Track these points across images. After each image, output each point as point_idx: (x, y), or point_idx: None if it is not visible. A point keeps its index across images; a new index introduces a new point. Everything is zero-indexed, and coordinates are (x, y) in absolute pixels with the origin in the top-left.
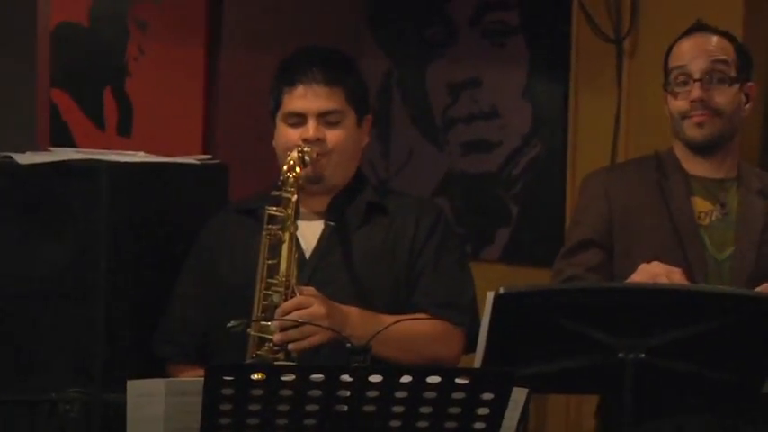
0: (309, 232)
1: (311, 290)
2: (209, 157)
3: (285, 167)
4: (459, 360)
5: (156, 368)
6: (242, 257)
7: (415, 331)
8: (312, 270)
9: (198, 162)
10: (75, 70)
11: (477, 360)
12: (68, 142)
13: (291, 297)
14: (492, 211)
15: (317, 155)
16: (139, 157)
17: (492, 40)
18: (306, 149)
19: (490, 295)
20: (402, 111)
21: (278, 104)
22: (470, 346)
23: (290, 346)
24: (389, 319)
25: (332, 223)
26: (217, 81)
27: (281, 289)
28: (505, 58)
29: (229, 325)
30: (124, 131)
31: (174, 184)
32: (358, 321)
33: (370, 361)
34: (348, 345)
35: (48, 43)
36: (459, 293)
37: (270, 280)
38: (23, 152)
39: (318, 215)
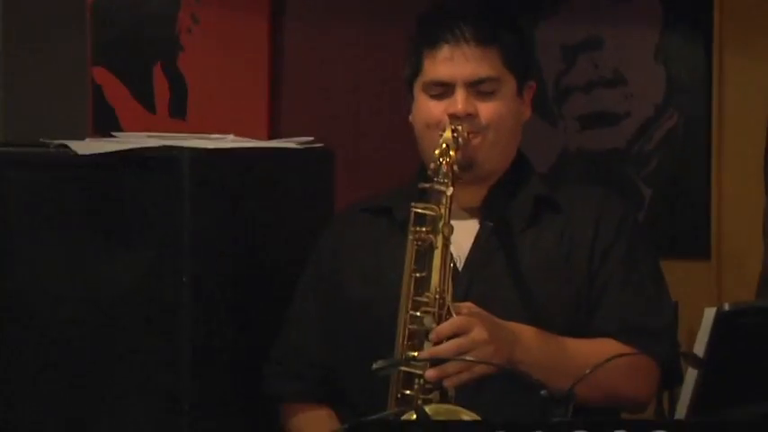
0: (460, 235)
1: (470, 306)
2: (310, 139)
3: (437, 152)
4: (652, 400)
5: (258, 410)
6: (374, 268)
7: (597, 359)
8: (467, 284)
9: (299, 146)
10: (120, 45)
11: (683, 398)
12: (114, 127)
13: (447, 319)
14: (619, 193)
15: (468, 134)
16: (228, 141)
17: None
18: (458, 128)
19: (710, 313)
20: None
21: (416, 71)
22: (666, 382)
23: (446, 383)
24: (573, 343)
25: (490, 224)
26: (283, 54)
27: (434, 309)
28: (632, 13)
29: (376, 367)
30: (178, 113)
31: (274, 173)
32: (533, 344)
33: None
34: (543, 392)
35: (88, 15)
36: (654, 315)
37: (418, 298)
38: (80, 140)
39: (471, 213)
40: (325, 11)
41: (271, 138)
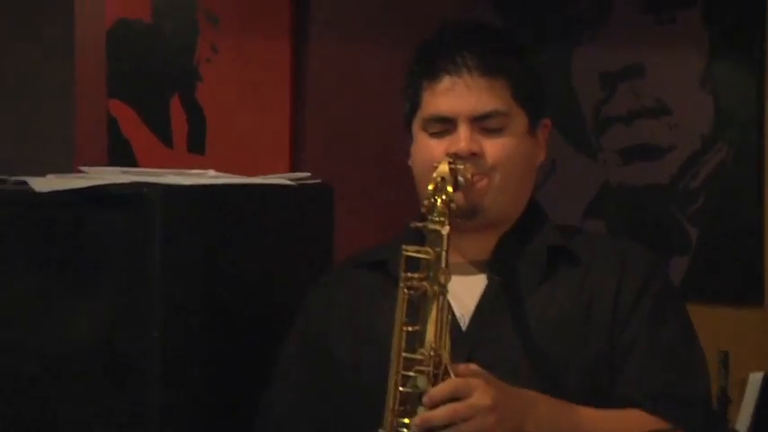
0: (465, 291)
1: (472, 368)
2: (306, 175)
3: (430, 187)
4: None
5: None
6: (367, 328)
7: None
8: (472, 347)
9: (293, 182)
10: (137, 76)
11: None
12: (131, 162)
13: (444, 380)
14: (664, 235)
15: (473, 175)
16: (208, 177)
17: (658, 14)
18: (459, 166)
19: (756, 378)
20: None
21: (414, 106)
22: None
23: None
24: (593, 414)
25: (498, 278)
26: (306, 83)
27: (429, 368)
28: (676, 37)
29: None
30: (196, 148)
31: (261, 213)
32: (546, 414)
33: None
34: None
35: (104, 45)
36: (687, 380)
37: (409, 355)
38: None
39: (477, 266)
40: (353, 31)
41: (294, 170)
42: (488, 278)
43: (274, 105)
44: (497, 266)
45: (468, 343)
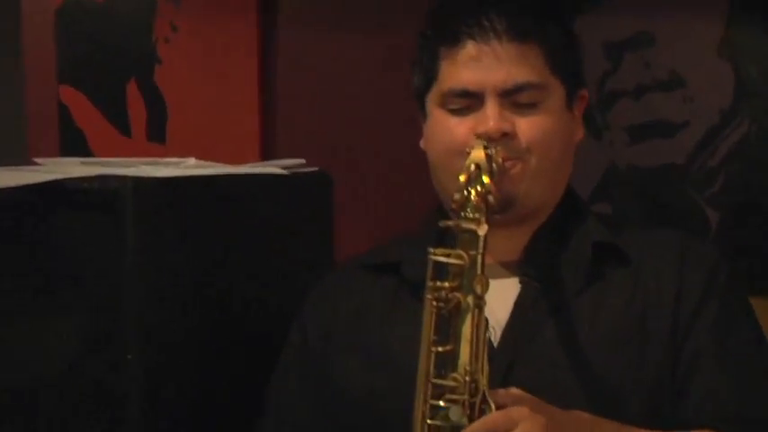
0: (494, 299)
1: (514, 392)
2: (300, 162)
3: (462, 178)
4: None
5: None
6: (379, 348)
7: None
8: (507, 366)
9: (286, 171)
10: (89, 59)
11: None
12: (85, 154)
13: (482, 412)
14: (679, 219)
15: (504, 160)
16: (187, 166)
17: None
18: (491, 150)
19: None
20: None
21: (429, 78)
22: None
23: None
24: None
25: (536, 283)
26: (275, 63)
27: (463, 396)
28: (690, 1)
29: None
30: (156, 136)
31: (251, 208)
32: None
33: None
34: None
35: (52, 27)
36: (762, 397)
37: (441, 381)
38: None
39: (508, 268)
40: (324, 11)
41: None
42: (522, 282)
43: (241, 89)
44: (533, 268)
45: (503, 362)
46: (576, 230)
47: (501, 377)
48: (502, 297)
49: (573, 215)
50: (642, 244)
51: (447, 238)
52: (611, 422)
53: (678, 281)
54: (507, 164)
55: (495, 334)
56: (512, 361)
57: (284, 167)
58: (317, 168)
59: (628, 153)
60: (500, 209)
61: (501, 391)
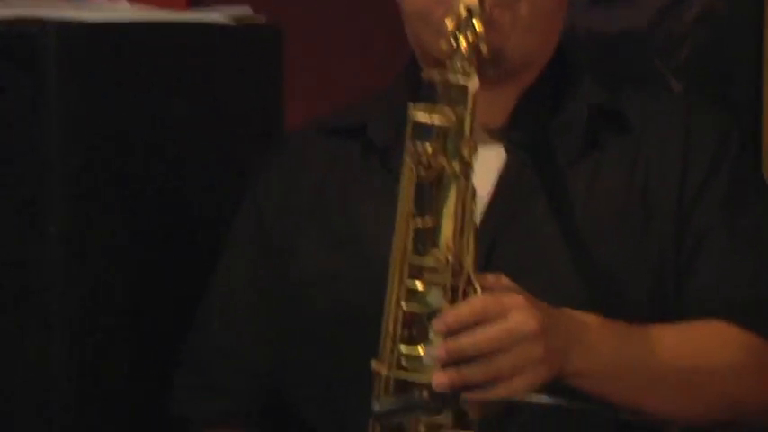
0: (477, 169)
1: (509, 283)
2: (247, 11)
3: (451, 23)
4: None
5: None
6: (344, 224)
7: (704, 357)
8: (489, 246)
9: (231, 21)
10: None
11: None
12: None
13: (466, 294)
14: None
15: (492, 8)
16: (119, 10)
17: None
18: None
19: None
20: None
21: None
22: None
23: (466, 395)
24: (662, 335)
25: (524, 151)
26: None
27: (445, 278)
28: None
29: (378, 411)
30: None
31: (190, 63)
32: (600, 341)
33: None
34: None
35: None
36: None
37: (418, 260)
38: None
39: (491, 134)
40: None
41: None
42: (507, 150)
43: None
44: (520, 134)
45: (485, 241)
46: (569, 91)
47: (483, 259)
48: (484, 167)
49: (566, 74)
50: (643, 108)
51: (422, 98)
52: (607, 320)
53: (685, 150)
54: (495, 12)
55: (479, 209)
56: (494, 239)
57: (228, 17)
58: (264, 19)
59: (585, 18)
60: (486, 63)
61: (490, 276)
